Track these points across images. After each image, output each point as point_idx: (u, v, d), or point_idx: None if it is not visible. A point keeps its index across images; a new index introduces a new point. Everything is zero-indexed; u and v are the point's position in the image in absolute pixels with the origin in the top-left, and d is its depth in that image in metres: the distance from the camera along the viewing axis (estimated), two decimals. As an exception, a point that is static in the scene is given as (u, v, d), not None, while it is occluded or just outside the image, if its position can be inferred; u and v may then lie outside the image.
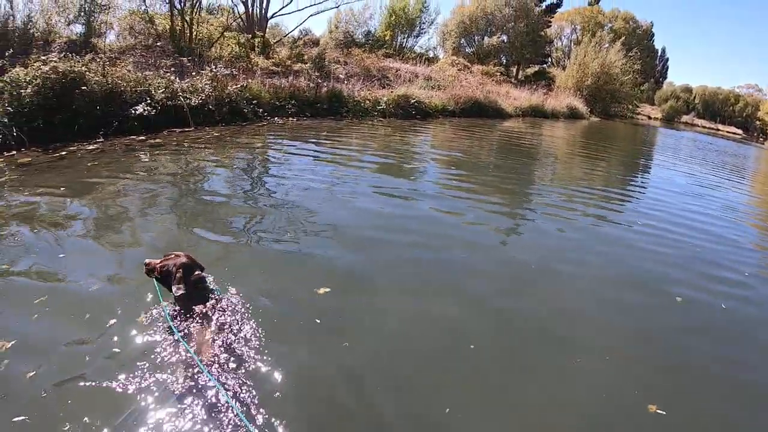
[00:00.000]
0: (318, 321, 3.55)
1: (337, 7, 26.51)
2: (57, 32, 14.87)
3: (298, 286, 4.00)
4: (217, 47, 18.53)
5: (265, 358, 2.99)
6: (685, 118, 72.76)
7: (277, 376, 2.87)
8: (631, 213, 7.92)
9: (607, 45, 44.42)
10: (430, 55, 36.44)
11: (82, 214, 5.03)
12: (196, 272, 3.46)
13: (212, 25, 20.24)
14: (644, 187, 10.79)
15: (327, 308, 3.73)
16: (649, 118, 62.04)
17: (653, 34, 71.94)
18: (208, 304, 3.35)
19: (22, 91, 8.39)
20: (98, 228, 4.73)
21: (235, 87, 11.47)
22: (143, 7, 18.62)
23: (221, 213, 5.44)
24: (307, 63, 19.81)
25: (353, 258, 4.63)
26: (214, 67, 11.83)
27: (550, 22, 49.31)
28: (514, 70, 45.24)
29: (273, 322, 3.40)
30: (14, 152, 7.48)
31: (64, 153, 7.53)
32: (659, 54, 78.55)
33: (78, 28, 15.27)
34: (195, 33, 18.25)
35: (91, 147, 8.01)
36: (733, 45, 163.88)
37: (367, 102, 15.41)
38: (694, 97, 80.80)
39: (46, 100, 8.52)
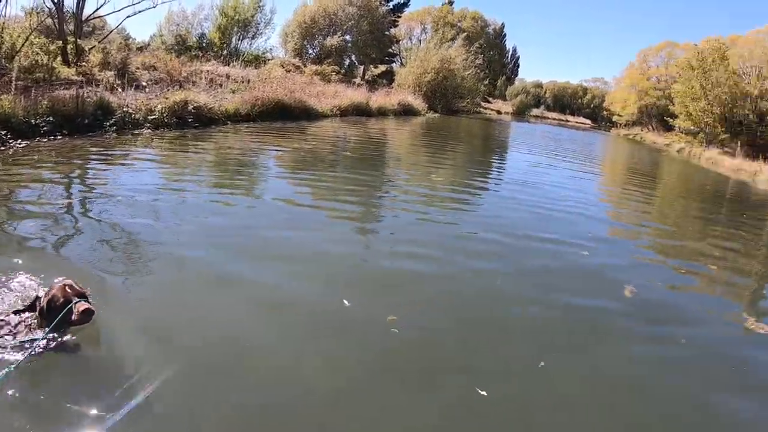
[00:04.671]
0: None
1: (154, 7, 25.70)
2: None
3: None
4: (23, 57, 17.26)
5: None
6: (535, 111, 77.90)
7: None
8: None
9: (450, 41, 46.31)
10: (268, 57, 36.26)
11: None
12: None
13: (15, 31, 18.95)
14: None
15: None
16: (499, 113, 65.68)
17: (504, 34, 76.47)
18: None
19: None
20: None
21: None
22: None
23: None
24: (112, 70, 19.24)
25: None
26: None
27: (397, 21, 50.81)
28: (361, 70, 46.29)
29: None
30: None
31: None
32: (510, 52, 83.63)
33: None
34: (-1, 42, 17.02)
35: None
36: (581, 42, 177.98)
37: (140, 112, 14.16)
38: (545, 92, 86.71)
39: None
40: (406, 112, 32.93)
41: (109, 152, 10.77)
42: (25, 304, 3.60)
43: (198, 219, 6.57)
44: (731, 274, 7.73)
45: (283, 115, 20.08)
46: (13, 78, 13.32)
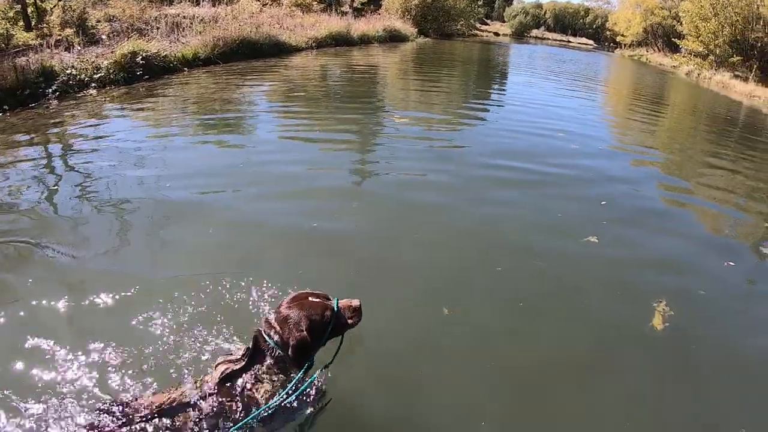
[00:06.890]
0: None
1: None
2: None
3: None
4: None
5: None
6: (535, 32, 75.65)
7: None
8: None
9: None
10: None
11: None
12: None
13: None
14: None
15: None
16: (497, 34, 63.19)
17: (502, -47, 73.02)
18: None
19: None
20: None
21: None
22: None
23: None
24: (71, 28, 17.38)
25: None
26: None
27: (386, -58, 47.67)
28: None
29: None
30: None
31: None
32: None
33: None
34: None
35: None
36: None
37: (85, 71, 12.06)
38: (545, 12, 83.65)
39: None
40: (392, 38, 31.12)
41: (35, 128, 8.81)
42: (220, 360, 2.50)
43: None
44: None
45: (250, 54, 18.29)
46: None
